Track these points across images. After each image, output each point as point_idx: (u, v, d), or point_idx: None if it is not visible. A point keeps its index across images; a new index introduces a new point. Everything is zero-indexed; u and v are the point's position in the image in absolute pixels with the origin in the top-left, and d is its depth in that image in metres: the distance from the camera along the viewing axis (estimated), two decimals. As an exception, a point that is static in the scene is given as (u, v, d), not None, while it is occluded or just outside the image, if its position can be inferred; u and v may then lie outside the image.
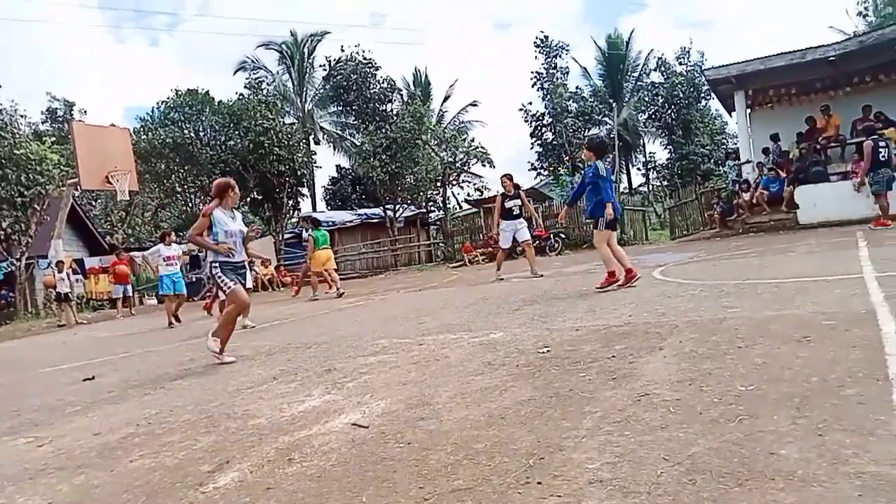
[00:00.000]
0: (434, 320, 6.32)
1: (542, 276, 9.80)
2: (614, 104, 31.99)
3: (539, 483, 1.96)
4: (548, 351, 3.93)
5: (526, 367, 3.58)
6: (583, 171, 7.07)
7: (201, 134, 24.16)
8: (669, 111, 29.56)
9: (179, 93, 24.53)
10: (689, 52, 29.52)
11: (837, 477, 1.71)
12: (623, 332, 4.24)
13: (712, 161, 27.99)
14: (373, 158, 23.99)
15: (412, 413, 2.95)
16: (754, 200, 14.98)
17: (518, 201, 10.38)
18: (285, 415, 3.24)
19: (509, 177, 10.65)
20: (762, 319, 3.95)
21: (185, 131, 23.40)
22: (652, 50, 34.33)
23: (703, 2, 76.30)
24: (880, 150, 11.10)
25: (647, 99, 31.68)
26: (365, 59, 26.72)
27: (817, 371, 2.68)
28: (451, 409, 2.93)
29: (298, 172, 25.22)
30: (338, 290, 12.66)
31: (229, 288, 5.44)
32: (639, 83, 33.76)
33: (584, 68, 35.08)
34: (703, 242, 14.47)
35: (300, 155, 25.05)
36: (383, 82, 27.18)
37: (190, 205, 25.51)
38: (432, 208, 30.79)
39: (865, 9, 22.70)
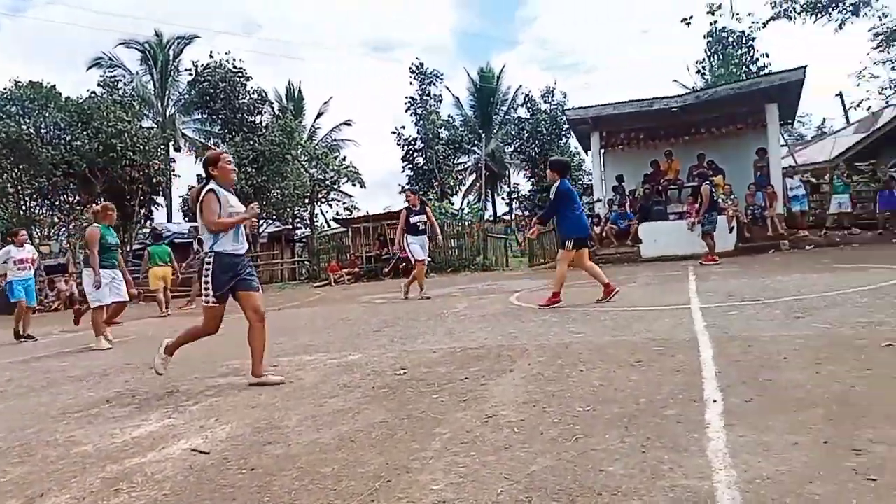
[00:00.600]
0: (291, 341, 6.14)
1: (429, 297, 9.71)
2: (483, 134, 33.26)
3: (383, 505, 1.96)
4: (404, 373, 3.95)
5: (382, 388, 3.58)
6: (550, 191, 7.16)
7: (43, 131, 21.85)
8: (533, 145, 31.18)
9: (20, 84, 22.12)
10: (553, 91, 31.43)
11: (654, 490, 1.87)
12: (478, 354, 4.37)
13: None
14: (238, 170, 23.01)
15: (259, 437, 2.84)
16: (604, 234, 16.16)
17: (423, 217, 10.09)
18: (116, 441, 2.98)
19: (414, 192, 10.53)
20: (602, 344, 4.25)
21: (24, 127, 21.07)
22: (520, 86, 36.18)
23: (569, 46, 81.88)
24: (713, 194, 12.41)
25: (513, 132, 33.23)
26: (235, 67, 25.68)
27: (645, 393, 2.92)
28: (301, 432, 2.86)
29: (154, 180, 23.56)
30: (163, 312, 11.72)
31: (209, 302, 4.16)
32: (507, 117, 35.37)
33: (457, 98, 36.19)
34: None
35: (157, 161, 23.45)
36: (254, 93, 26.20)
37: (24, 209, 22.92)
38: (299, 225, 30.03)
39: (703, 68, 25.59)
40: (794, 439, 2.17)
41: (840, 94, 32.90)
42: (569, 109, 19.90)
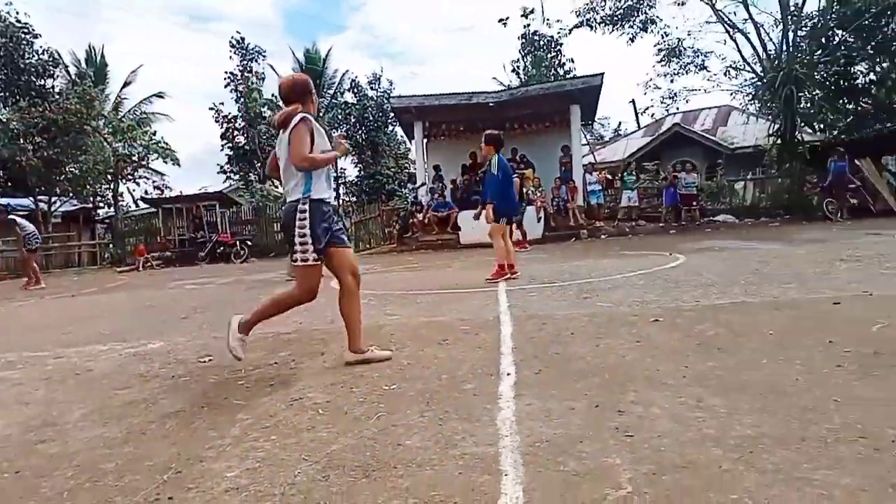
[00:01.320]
0: (83, 330, 5.54)
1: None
2: (308, 117, 32.36)
3: (170, 498, 1.85)
4: (210, 360, 3.77)
5: (183, 377, 3.38)
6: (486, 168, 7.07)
7: None
8: (360, 131, 31.04)
9: None
10: (379, 78, 31.45)
11: (446, 459, 1.98)
12: (290, 339, 4.29)
13: (396, 182, 30.22)
14: (23, 140, 20.09)
15: (30, 436, 2.54)
16: (426, 221, 16.64)
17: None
18: None
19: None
20: (415, 325, 4.39)
21: None
22: (347, 71, 35.71)
23: (397, 36, 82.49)
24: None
25: (339, 117, 32.79)
26: (19, 22, 22.32)
27: (448, 370, 3.07)
28: (84, 427, 2.60)
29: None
30: None
31: (308, 261, 3.38)
32: (333, 101, 34.79)
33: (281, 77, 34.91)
34: (382, 256, 15.50)
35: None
36: (43, 53, 23.00)
37: None
38: (101, 204, 27.05)
39: (518, 67, 27.30)
40: (571, 405, 2.41)
41: (633, 101, 36.94)
42: (394, 98, 20.15)
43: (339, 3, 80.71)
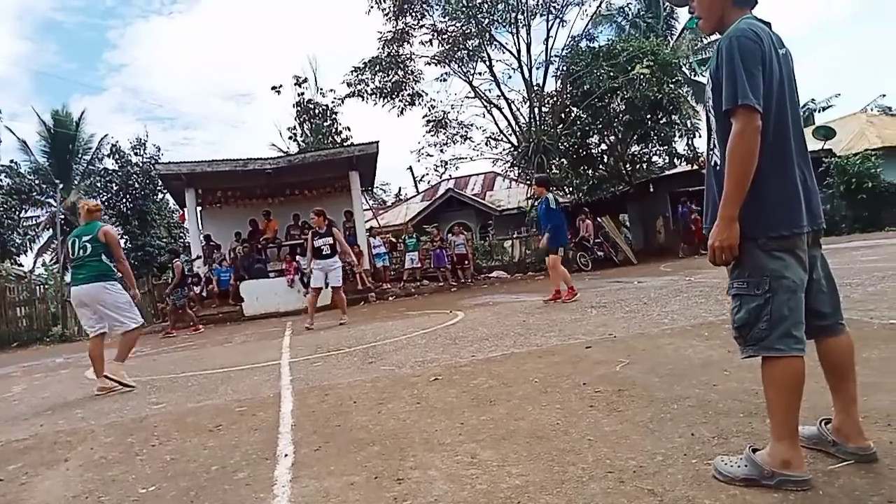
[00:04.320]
0: None
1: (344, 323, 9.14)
2: (61, 186, 28.84)
3: None
4: None
5: None
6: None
7: None
8: (125, 200, 28.30)
9: None
10: (145, 143, 29.08)
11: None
12: (25, 446, 3.61)
13: (169, 254, 27.92)
14: None
15: None
16: (206, 294, 15.53)
17: (329, 239, 9.28)
18: None
19: (318, 212, 9.16)
20: (183, 412, 3.98)
21: None
22: (106, 135, 32.58)
23: (165, 99, 78.03)
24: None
25: (99, 185, 29.62)
26: None
27: (219, 459, 2.81)
28: None
29: None
30: None
31: None
32: (90, 167, 31.42)
33: (24, 141, 30.61)
34: (154, 335, 14.03)
35: None
36: None
37: None
38: None
39: (295, 134, 27.29)
40: (350, 480, 2.33)
41: (410, 168, 38.96)
42: (160, 164, 18.87)
43: (97, 63, 74.57)
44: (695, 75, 22.17)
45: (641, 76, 17.58)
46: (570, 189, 22.38)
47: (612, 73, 18.06)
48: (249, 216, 17.60)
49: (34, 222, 30.66)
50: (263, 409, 3.74)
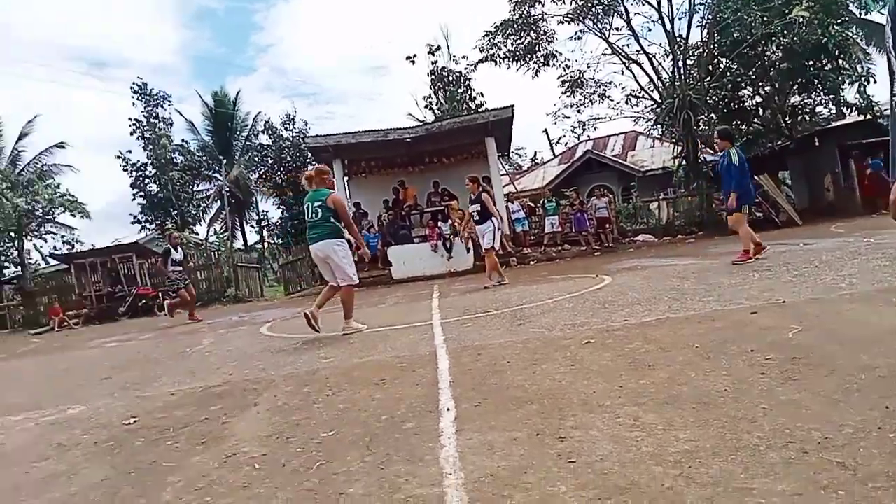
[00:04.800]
0: (-11, 402, 5.10)
1: (506, 282, 9.63)
2: (224, 161, 31.69)
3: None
4: (135, 422, 3.53)
5: (107, 443, 3.15)
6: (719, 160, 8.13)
7: None
8: (279, 172, 30.58)
9: None
10: (293, 119, 31.14)
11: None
12: (221, 391, 4.09)
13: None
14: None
15: (-74, 529, 2.28)
16: (356, 259, 16.45)
17: (478, 206, 9.73)
18: None
19: (472, 178, 9.82)
20: (350, 367, 4.29)
21: None
22: (259, 112, 35.26)
23: (308, 76, 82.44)
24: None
25: (256, 159, 32.22)
26: None
27: (387, 410, 3.00)
28: (-6, 512, 2.37)
29: None
30: None
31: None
32: (248, 143, 34.18)
33: (191, 122, 33.93)
34: (313, 298, 15.16)
35: None
36: (-73, 108, 21.60)
37: None
38: (6, 263, 25.30)
39: (430, 103, 27.79)
40: (513, 435, 2.40)
41: (545, 131, 38.26)
42: (309, 137, 20.03)
43: (246, 46, 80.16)
44: (867, 14, 19.46)
45: (801, 19, 15.77)
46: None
47: (765, 18, 16.38)
48: (392, 184, 18.29)
49: (205, 195, 33.88)
50: (422, 366, 3.93)
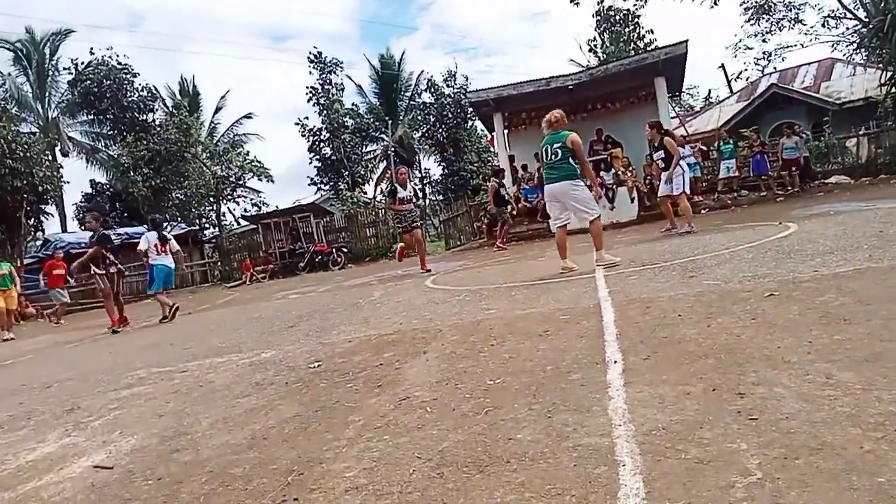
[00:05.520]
0: (201, 344, 5.92)
1: (695, 229, 8.94)
2: (390, 122, 33.04)
3: (296, 499, 1.93)
4: (319, 365, 3.90)
5: (295, 383, 3.52)
6: None
7: None
8: (440, 129, 31.29)
9: None
10: (454, 75, 31.53)
11: (559, 451, 1.95)
12: (392, 339, 4.37)
13: (480, 177, 30.30)
14: (133, 172, 21.90)
15: (166, 446, 2.72)
16: (515, 212, 16.50)
17: (661, 153, 9.72)
18: (9, 467, 2.78)
19: (652, 124, 10.01)
20: (513, 318, 4.36)
21: None
22: (422, 71, 36.18)
23: (468, 30, 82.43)
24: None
25: (419, 118, 33.18)
26: (120, 64, 24.19)
27: (552, 360, 3.02)
28: (212, 435, 2.77)
29: (40, 188, 21.89)
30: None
31: None
32: (412, 103, 35.25)
33: (360, 86, 35.73)
34: (473, 251, 15.56)
35: (42, 168, 21.79)
36: (143, 90, 24.83)
37: None
38: (206, 225, 28.88)
39: (595, 46, 26.54)
40: (686, 390, 2.30)
41: (722, 66, 35.01)
42: (470, 92, 20.13)
43: (409, 4, 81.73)
44: None
45: None
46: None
47: None
48: (553, 135, 17.90)
49: (372, 155, 35.69)
50: (586, 319, 3.88)
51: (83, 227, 18.97)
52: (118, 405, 3.74)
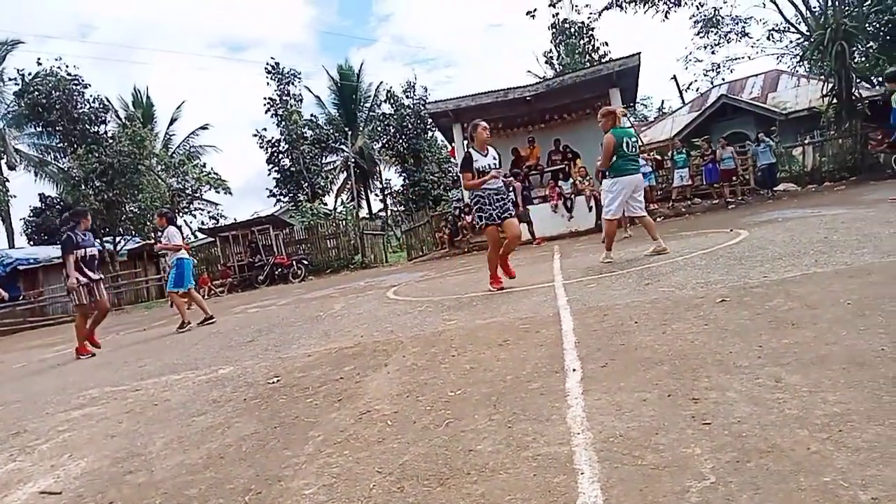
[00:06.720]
0: (157, 361, 5.76)
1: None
2: (349, 133, 32.91)
3: (253, 520, 1.90)
4: (278, 380, 3.84)
5: (254, 399, 3.46)
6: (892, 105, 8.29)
7: None
8: (401, 140, 31.32)
9: None
10: (414, 86, 31.64)
11: (519, 462, 1.96)
12: (353, 352, 4.33)
13: (441, 187, 30.37)
14: (84, 185, 21.23)
15: (119, 468, 2.64)
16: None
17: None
18: (-52, 498, 2.65)
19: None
20: (473, 328, 4.37)
21: None
22: (381, 82, 36.19)
23: (427, 42, 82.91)
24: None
25: (379, 129, 33.16)
26: (70, 74, 23.47)
27: (512, 370, 3.04)
28: (166, 456, 2.70)
29: (-16, 203, 21.12)
30: None
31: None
32: (371, 114, 35.21)
33: (318, 97, 35.55)
34: (435, 262, 15.56)
35: (-15, 182, 21.01)
36: (94, 101, 24.12)
37: None
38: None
39: (551, 58, 26.99)
40: (642, 396, 2.35)
41: (674, 77, 35.97)
42: (430, 103, 20.22)
43: (368, 16, 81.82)
44: None
45: None
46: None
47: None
48: (511, 145, 18.10)
49: (332, 166, 35.47)
50: (545, 327, 3.92)
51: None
52: (68, 427, 3.61)
